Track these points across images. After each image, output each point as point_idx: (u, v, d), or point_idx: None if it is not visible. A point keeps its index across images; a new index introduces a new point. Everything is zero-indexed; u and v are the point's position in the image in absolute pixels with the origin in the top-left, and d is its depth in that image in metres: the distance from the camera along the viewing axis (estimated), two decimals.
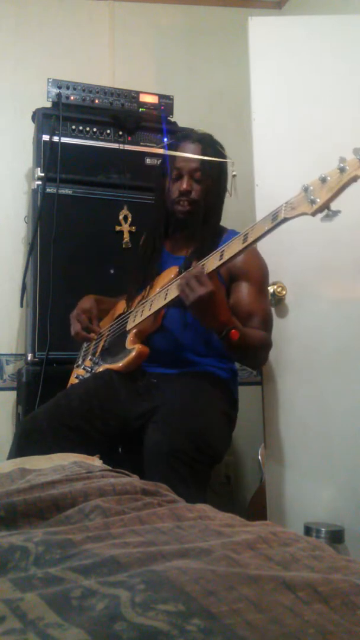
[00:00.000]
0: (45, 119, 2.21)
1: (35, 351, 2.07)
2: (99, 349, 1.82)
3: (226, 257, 1.40)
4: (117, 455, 1.71)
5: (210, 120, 2.80)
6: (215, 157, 1.72)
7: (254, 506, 2.32)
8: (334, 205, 1.19)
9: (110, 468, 1.09)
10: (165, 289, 1.59)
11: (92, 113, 2.29)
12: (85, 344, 1.93)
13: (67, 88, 2.27)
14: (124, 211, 2.23)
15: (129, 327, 1.71)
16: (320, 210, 1.18)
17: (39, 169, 2.18)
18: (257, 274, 1.71)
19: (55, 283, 2.09)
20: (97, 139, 2.26)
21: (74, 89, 2.28)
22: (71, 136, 2.23)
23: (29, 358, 2.09)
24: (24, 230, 2.52)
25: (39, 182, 2.17)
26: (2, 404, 2.46)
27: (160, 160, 1.82)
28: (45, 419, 1.56)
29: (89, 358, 1.84)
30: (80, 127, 2.24)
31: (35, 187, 2.18)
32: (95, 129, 2.26)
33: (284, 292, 2.05)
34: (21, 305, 2.40)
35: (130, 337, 1.69)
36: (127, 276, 1.91)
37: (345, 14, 2.33)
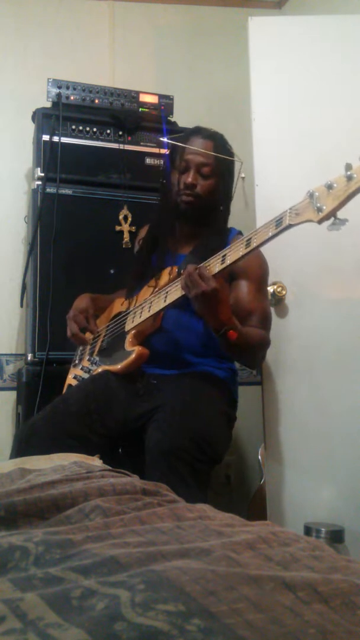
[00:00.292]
0: (45, 119, 2.21)
1: (35, 351, 2.07)
2: (97, 349, 1.81)
3: (228, 261, 1.40)
4: (117, 455, 1.71)
5: (210, 120, 2.78)
6: (225, 154, 1.72)
7: (254, 506, 2.32)
8: (340, 214, 1.18)
9: (110, 468, 1.09)
10: (165, 290, 1.59)
11: (92, 113, 2.29)
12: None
13: (67, 88, 2.27)
14: (124, 211, 2.23)
15: (127, 327, 1.71)
16: (326, 218, 1.18)
17: (39, 169, 2.18)
18: (257, 272, 1.71)
19: (55, 283, 2.09)
20: (97, 139, 2.26)
21: (74, 89, 2.28)
22: (71, 136, 2.23)
23: (29, 358, 2.09)
24: (24, 230, 2.52)
25: (39, 182, 2.17)
26: (2, 404, 2.46)
27: (167, 154, 1.81)
28: (44, 426, 1.55)
29: (86, 358, 1.83)
30: (80, 127, 2.24)
31: (35, 187, 2.18)
32: (95, 129, 2.26)
33: (284, 292, 2.05)
34: (21, 305, 2.40)
35: (129, 338, 1.69)
36: (127, 272, 1.90)
37: (345, 14, 2.33)
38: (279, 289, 2.04)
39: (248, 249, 1.36)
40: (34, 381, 2.03)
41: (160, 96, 2.38)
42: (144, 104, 2.35)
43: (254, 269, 1.70)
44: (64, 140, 2.20)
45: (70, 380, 1.85)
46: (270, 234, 1.31)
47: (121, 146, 2.27)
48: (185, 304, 1.54)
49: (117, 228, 2.23)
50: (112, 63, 2.79)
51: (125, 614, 0.46)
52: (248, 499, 2.43)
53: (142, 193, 2.23)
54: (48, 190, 2.16)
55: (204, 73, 2.92)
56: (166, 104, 2.38)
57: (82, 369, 1.81)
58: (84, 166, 2.24)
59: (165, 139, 1.90)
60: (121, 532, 0.69)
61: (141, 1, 2.86)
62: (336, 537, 1.71)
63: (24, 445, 1.51)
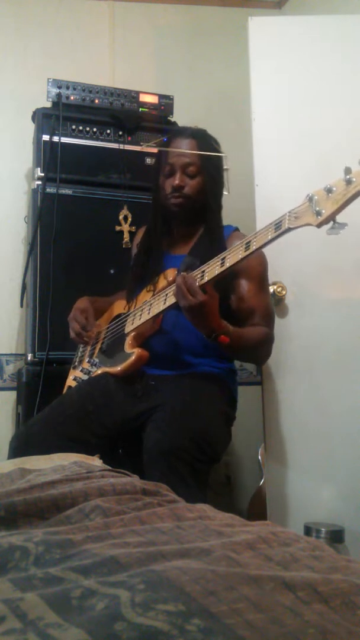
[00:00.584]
0: (45, 119, 2.21)
1: (35, 351, 2.07)
2: (97, 351, 1.82)
3: (228, 264, 1.41)
4: (117, 455, 1.71)
5: (210, 120, 2.78)
6: (208, 152, 1.71)
7: (254, 506, 2.32)
8: (339, 218, 1.18)
9: (110, 468, 1.09)
10: (165, 292, 1.59)
11: (92, 113, 2.29)
12: (82, 345, 1.92)
13: (67, 88, 2.27)
14: (124, 211, 2.23)
15: (127, 329, 1.71)
16: (325, 222, 1.18)
17: (39, 169, 2.18)
18: (257, 269, 1.71)
19: (55, 283, 2.09)
20: (97, 139, 2.26)
21: (74, 89, 2.28)
22: (71, 136, 2.23)
23: (29, 358, 2.09)
24: (24, 230, 2.52)
25: (39, 182, 2.17)
26: (2, 404, 2.46)
27: (155, 159, 1.81)
28: (40, 431, 1.55)
29: (86, 360, 1.83)
30: (80, 127, 2.24)
31: (35, 187, 2.18)
32: (95, 129, 2.26)
33: (284, 292, 2.05)
34: (21, 305, 2.39)
35: (129, 340, 1.69)
36: (127, 274, 1.90)
37: (345, 14, 2.33)
38: (279, 289, 2.04)
39: (247, 252, 1.37)
40: (34, 381, 2.03)
41: (160, 96, 2.38)
42: (144, 104, 2.35)
43: (254, 267, 1.70)
44: (64, 140, 2.20)
45: (70, 381, 1.86)
46: (269, 237, 1.31)
47: (121, 146, 2.27)
48: None
49: (117, 228, 2.23)
50: (112, 63, 2.79)
51: (125, 614, 0.46)
52: (248, 499, 2.43)
53: (142, 193, 2.22)
54: (48, 190, 2.16)
55: (204, 73, 2.92)
56: (166, 104, 2.38)
57: (81, 370, 1.82)
58: (84, 166, 2.24)
59: (144, 145, 1.89)
60: (121, 532, 0.69)
61: (141, 1, 2.86)
62: (336, 537, 1.71)
63: (19, 452, 1.49)
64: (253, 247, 1.35)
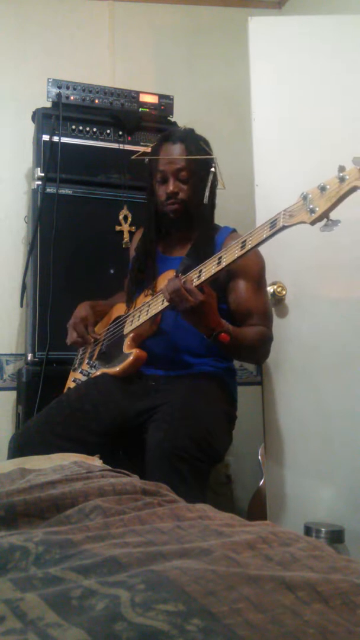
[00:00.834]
0: (45, 119, 2.21)
1: (35, 351, 2.07)
2: (96, 353, 1.82)
3: (224, 263, 1.41)
4: (117, 455, 1.71)
5: (210, 120, 2.80)
6: (197, 154, 1.70)
7: (254, 506, 2.32)
8: (333, 215, 1.19)
9: (110, 468, 1.09)
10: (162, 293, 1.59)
11: (92, 113, 2.29)
12: (82, 348, 1.93)
13: (67, 88, 2.27)
14: (124, 211, 2.23)
15: (126, 331, 1.72)
16: (319, 219, 1.19)
17: (39, 169, 2.18)
18: (254, 269, 1.71)
19: (55, 283, 2.10)
20: (97, 139, 2.26)
21: (74, 89, 2.28)
22: (71, 136, 2.23)
23: (29, 358, 2.09)
24: (24, 230, 2.52)
25: (39, 182, 2.17)
26: (2, 404, 2.46)
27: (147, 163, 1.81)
28: (39, 431, 1.54)
29: (86, 362, 1.84)
30: (80, 127, 2.24)
31: (35, 187, 2.18)
32: (95, 129, 2.26)
33: (284, 292, 2.05)
34: (21, 305, 2.40)
35: (127, 341, 1.70)
36: (126, 277, 1.91)
37: (345, 14, 2.33)
38: (279, 289, 2.04)
39: (243, 251, 1.38)
40: (34, 381, 2.03)
41: (160, 96, 2.38)
42: (144, 104, 2.35)
43: (251, 267, 1.70)
44: (64, 140, 2.20)
45: (70, 384, 1.86)
46: (264, 236, 1.32)
47: (121, 146, 2.27)
48: None
49: (117, 228, 2.23)
50: (112, 63, 2.79)
51: (125, 614, 0.46)
52: (248, 499, 2.43)
53: (142, 193, 2.21)
54: (48, 190, 2.16)
55: (203, 73, 2.92)
56: (166, 104, 2.38)
57: (81, 372, 1.82)
58: (84, 166, 2.24)
59: (134, 156, 1.90)
60: (121, 532, 0.69)
61: (141, 1, 2.86)
62: (336, 537, 1.71)
63: (18, 453, 1.48)
64: (249, 246, 1.36)
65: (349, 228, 1.98)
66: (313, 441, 1.98)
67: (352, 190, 1.13)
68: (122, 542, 0.64)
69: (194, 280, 1.46)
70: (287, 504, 1.99)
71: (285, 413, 2.02)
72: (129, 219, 2.22)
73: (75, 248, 2.18)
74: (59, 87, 2.26)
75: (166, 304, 1.54)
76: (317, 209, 1.17)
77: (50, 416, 1.58)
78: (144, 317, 1.64)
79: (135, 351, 1.66)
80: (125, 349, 1.69)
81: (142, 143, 2.29)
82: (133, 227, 2.21)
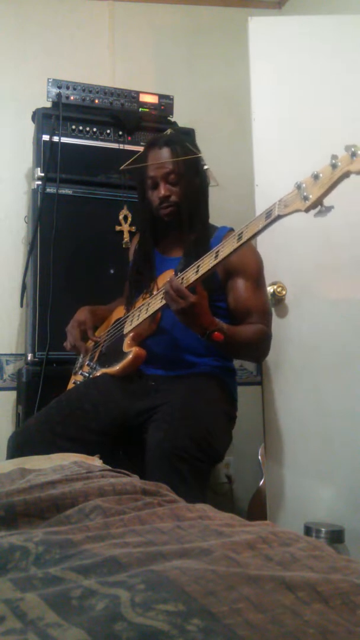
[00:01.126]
0: (45, 119, 2.21)
1: (35, 351, 2.07)
2: (97, 355, 1.83)
3: (221, 256, 1.42)
4: (117, 455, 1.71)
5: (210, 120, 2.80)
6: (184, 155, 1.72)
7: (254, 506, 2.32)
8: (327, 201, 1.19)
9: (110, 468, 1.09)
10: (161, 292, 1.60)
11: (92, 113, 2.29)
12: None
13: (67, 88, 2.27)
14: (124, 211, 2.23)
15: (126, 330, 1.72)
16: (313, 206, 1.20)
17: (39, 169, 2.18)
18: (252, 268, 1.72)
19: (55, 283, 2.09)
20: (97, 139, 2.26)
21: (74, 89, 2.28)
22: (71, 136, 2.23)
23: (29, 358, 2.09)
24: (24, 230, 2.52)
25: (39, 182, 2.17)
26: (2, 404, 2.46)
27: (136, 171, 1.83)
28: (37, 431, 1.54)
29: (86, 363, 1.84)
30: (80, 127, 2.24)
31: (35, 187, 2.18)
32: (95, 129, 2.26)
33: (284, 292, 2.05)
34: (21, 305, 2.40)
35: (127, 341, 1.70)
36: (125, 280, 1.91)
37: (345, 14, 2.33)
38: (279, 289, 2.04)
39: (240, 242, 1.38)
40: (34, 381, 2.03)
41: (160, 96, 2.38)
42: (144, 104, 2.35)
43: (250, 266, 1.71)
44: (64, 140, 2.20)
45: (71, 386, 1.86)
46: (260, 226, 1.33)
47: (121, 146, 2.27)
48: None
49: (117, 228, 2.23)
50: (112, 63, 2.79)
51: (125, 614, 0.46)
52: (248, 499, 2.43)
53: None
54: (48, 190, 2.16)
55: (203, 73, 2.92)
56: (166, 104, 2.38)
57: (81, 374, 1.83)
58: (84, 166, 2.24)
59: (122, 167, 1.91)
60: (121, 532, 0.69)
61: (141, 1, 2.86)
62: (336, 537, 1.71)
63: (17, 453, 1.48)
64: (245, 237, 1.36)
65: (349, 228, 1.99)
66: (313, 441, 1.98)
67: (345, 175, 1.14)
68: (122, 542, 0.64)
69: (192, 276, 1.47)
70: (287, 504, 1.99)
71: (285, 413, 2.02)
72: (129, 219, 2.23)
73: (75, 248, 2.18)
74: (59, 87, 2.26)
75: (164, 302, 1.55)
76: (310, 196, 1.19)
77: (50, 415, 1.58)
78: (143, 316, 1.65)
79: (134, 349, 1.66)
80: (125, 348, 1.69)
81: (142, 143, 2.29)
82: (133, 227, 2.21)
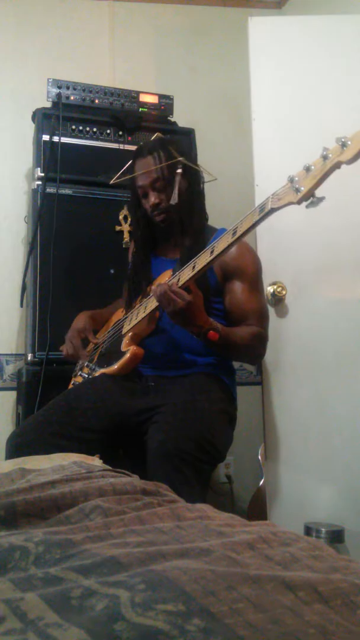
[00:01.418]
0: (45, 119, 2.21)
1: (35, 351, 2.07)
2: (96, 357, 1.83)
3: (217, 251, 1.42)
4: (117, 455, 1.71)
5: (210, 120, 2.81)
6: (168, 160, 1.71)
7: (254, 506, 2.32)
8: (319, 192, 1.20)
9: (110, 468, 1.09)
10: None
11: (92, 113, 2.29)
12: None
13: (67, 88, 2.27)
14: (124, 211, 2.23)
15: (124, 331, 1.73)
16: (305, 198, 1.20)
17: (39, 169, 2.18)
18: (250, 270, 1.72)
19: (55, 283, 2.09)
20: (97, 139, 2.26)
21: (74, 89, 2.28)
22: (71, 136, 2.23)
23: (29, 358, 2.09)
24: (24, 230, 2.52)
25: (39, 182, 2.17)
26: (2, 404, 2.46)
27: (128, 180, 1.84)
28: (35, 431, 1.54)
29: (85, 365, 1.84)
30: (80, 127, 2.24)
31: (35, 187, 2.18)
32: (95, 129, 2.26)
33: (283, 292, 2.05)
34: (21, 305, 2.40)
35: (125, 340, 1.71)
36: (123, 285, 1.92)
37: (345, 14, 2.33)
38: (279, 289, 2.04)
39: (235, 237, 1.38)
40: (34, 381, 2.03)
41: (160, 96, 2.39)
42: (144, 104, 2.36)
43: (247, 268, 1.71)
44: (64, 140, 2.20)
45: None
46: (255, 220, 1.33)
47: (121, 146, 2.27)
48: None
49: (117, 228, 2.23)
50: (112, 63, 2.79)
51: (125, 614, 0.46)
52: (248, 499, 2.43)
53: None
54: (48, 190, 2.16)
55: (204, 73, 2.92)
56: (166, 104, 2.38)
57: (81, 375, 1.83)
58: (84, 166, 2.24)
59: (112, 181, 1.92)
60: (121, 532, 0.69)
61: (141, 1, 2.86)
62: (336, 537, 1.71)
63: (15, 454, 1.47)
64: (240, 232, 1.36)
65: (349, 228, 1.99)
66: (313, 441, 1.98)
67: (336, 166, 1.15)
68: (122, 542, 0.64)
69: (188, 273, 1.47)
70: (287, 504, 1.99)
71: (285, 413, 2.02)
72: (129, 219, 2.23)
73: (75, 248, 2.18)
74: (59, 87, 2.26)
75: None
76: (302, 188, 1.20)
77: (47, 415, 1.58)
78: (141, 315, 1.65)
79: (131, 348, 1.67)
80: (123, 348, 1.70)
81: (141, 143, 2.29)
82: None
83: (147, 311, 1.62)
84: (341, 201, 1.96)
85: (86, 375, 1.79)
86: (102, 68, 2.76)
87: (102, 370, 1.73)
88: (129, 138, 2.29)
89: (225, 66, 2.89)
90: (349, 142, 1.11)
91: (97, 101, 2.31)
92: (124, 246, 2.20)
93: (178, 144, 1.81)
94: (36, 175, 2.19)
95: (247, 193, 2.12)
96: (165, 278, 1.68)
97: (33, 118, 2.32)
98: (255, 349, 1.71)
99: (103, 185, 2.24)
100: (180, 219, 1.73)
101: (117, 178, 1.85)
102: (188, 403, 1.54)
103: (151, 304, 1.61)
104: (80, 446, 1.44)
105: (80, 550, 0.62)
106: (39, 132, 2.22)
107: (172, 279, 1.51)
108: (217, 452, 1.54)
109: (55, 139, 2.19)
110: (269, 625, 0.45)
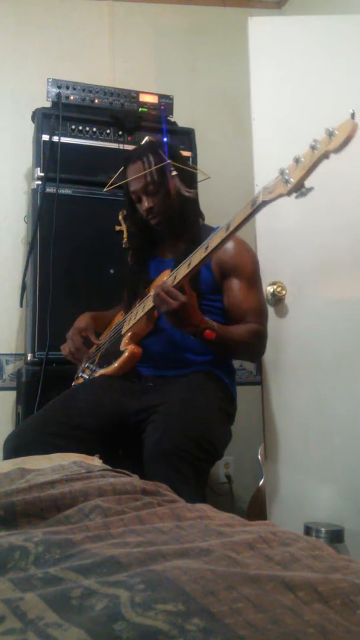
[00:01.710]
0: (45, 119, 2.21)
1: (35, 351, 2.07)
2: (97, 358, 1.83)
3: (211, 247, 1.42)
4: (117, 455, 1.71)
5: (210, 120, 2.81)
6: (157, 163, 1.72)
7: (254, 506, 2.32)
8: (309, 183, 1.21)
9: (110, 468, 1.09)
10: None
11: (92, 113, 2.29)
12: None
13: (67, 88, 2.27)
14: (124, 211, 2.23)
15: (124, 330, 1.73)
16: (295, 189, 1.21)
17: (38, 168, 2.18)
18: (247, 268, 1.73)
19: (55, 283, 2.09)
20: (97, 139, 2.26)
21: (74, 88, 2.28)
22: (71, 136, 2.23)
23: (28, 358, 2.09)
24: (24, 230, 2.52)
25: (39, 182, 2.17)
26: (2, 404, 2.46)
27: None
28: (33, 431, 1.54)
29: (87, 366, 1.84)
30: (80, 127, 2.24)
31: (35, 187, 2.18)
32: (95, 129, 2.26)
33: (283, 292, 2.05)
34: (21, 305, 2.40)
35: (124, 340, 1.71)
36: (123, 289, 1.92)
37: (345, 14, 2.33)
38: (278, 289, 2.04)
39: (228, 232, 1.38)
40: (34, 381, 2.03)
41: (160, 96, 2.38)
42: (144, 104, 2.35)
43: (244, 265, 1.72)
44: (64, 140, 2.20)
45: None
46: (247, 214, 1.34)
47: (121, 146, 2.27)
48: None
49: (117, 228, 2.23)
50: (112, 63, 2.79)
51: (125, 614, 0.46)
52: (248, 499, 2.43)
53: None
54: (48, 190, 2.16)
55: (204, 73, 2.92)
56: (166, 104, 2.38)
57: (81, 376, 1.83)
58: (84, 166, 2.24)
59: (105, 189, 1.93)
60: (121, 532, 0.69)
61: (141, 1, 2.86)
62: (336, 537, 1.71)
63: (14, 450, 1.47)
64: (233, 226, 1.37)
65: (349, 228, 1.99)
66: (313, 441, 1.98)
67: (324, 156, 1.16)
68: (122, 542, 0.64)
69: (184, 270, 1.47)
70: (287, 504, 1.99)
71: (284, 413, 2.02)
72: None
73: (75, 248, 2.18)
74: (59, 87, 2.26)
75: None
76: (291, 179, 1.21)
77: (45, 416, 1.58)
78: (140, 314, 1.65)
79: (130, 347, 1.67)
80: (122, 347, 1.70)
81: (141, 143, 2.29)
82: None
83: (146, 309, 1.62)
84: (341, 201, 1.96)
85: (87, 377, 1.80)
86: (102, 68, 2.76)
87: (102, 371, 1.74)
88: (129, 138, 2.29)
89: (225, 66, 2.89)
90: (336, 132, 1.13)
91: (97, 101, 2.31)
92: (123, 246, 2.20)
93: (169, 145, 1.81)
94: (36, 175, 2.19)
95: (247, 193, 2.11)
96: (164, 278, 1.68)
97: (33, 118, 2.32)
98: (254, 346, 1.71)
99: (103, 185, 2.24)
100: (175, 220, 1.74)
101: (110, 185, 1.87)
102: (186, 402, 1.54)
103: (149, 303, 1.62)
104: (78, 445, 1.44)
105: (80, 550, 0.62)
106: (38, 132, 2.21)
107: (169, 277, 1.51)
108: (215, 450, 1.54)
109: (55, 138, 2.19)
110: (269, 625, 0.45)
